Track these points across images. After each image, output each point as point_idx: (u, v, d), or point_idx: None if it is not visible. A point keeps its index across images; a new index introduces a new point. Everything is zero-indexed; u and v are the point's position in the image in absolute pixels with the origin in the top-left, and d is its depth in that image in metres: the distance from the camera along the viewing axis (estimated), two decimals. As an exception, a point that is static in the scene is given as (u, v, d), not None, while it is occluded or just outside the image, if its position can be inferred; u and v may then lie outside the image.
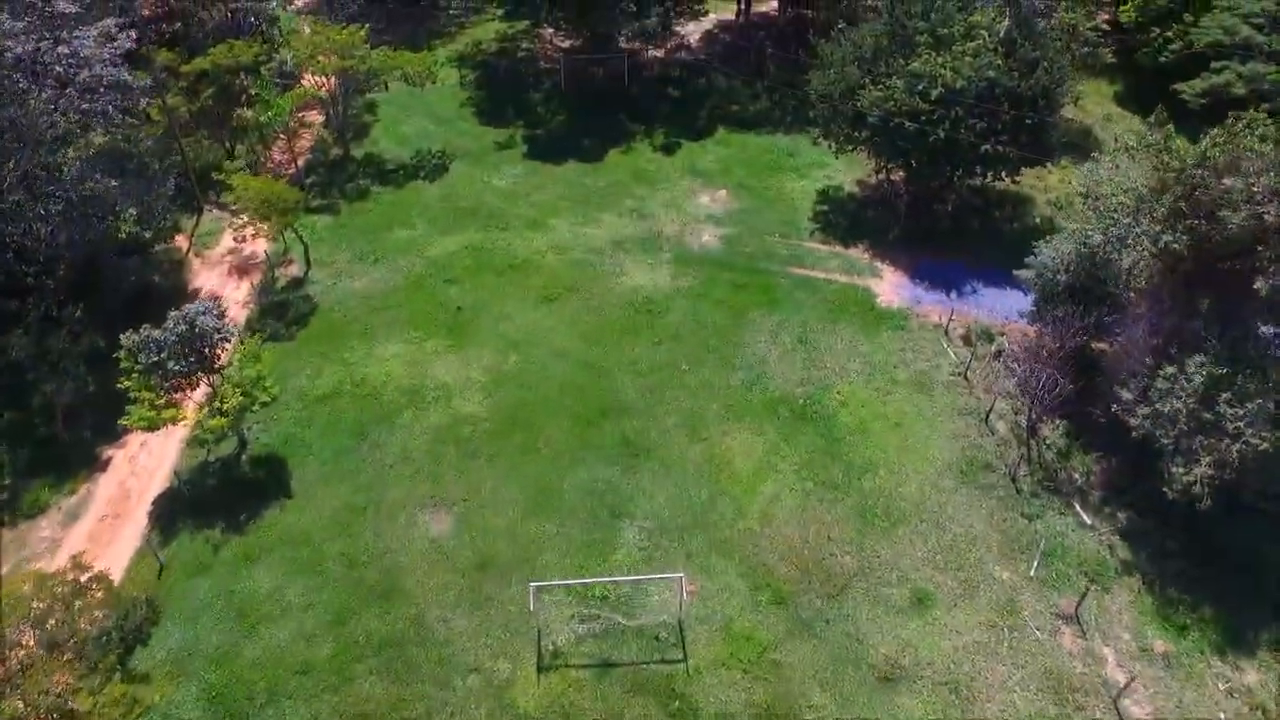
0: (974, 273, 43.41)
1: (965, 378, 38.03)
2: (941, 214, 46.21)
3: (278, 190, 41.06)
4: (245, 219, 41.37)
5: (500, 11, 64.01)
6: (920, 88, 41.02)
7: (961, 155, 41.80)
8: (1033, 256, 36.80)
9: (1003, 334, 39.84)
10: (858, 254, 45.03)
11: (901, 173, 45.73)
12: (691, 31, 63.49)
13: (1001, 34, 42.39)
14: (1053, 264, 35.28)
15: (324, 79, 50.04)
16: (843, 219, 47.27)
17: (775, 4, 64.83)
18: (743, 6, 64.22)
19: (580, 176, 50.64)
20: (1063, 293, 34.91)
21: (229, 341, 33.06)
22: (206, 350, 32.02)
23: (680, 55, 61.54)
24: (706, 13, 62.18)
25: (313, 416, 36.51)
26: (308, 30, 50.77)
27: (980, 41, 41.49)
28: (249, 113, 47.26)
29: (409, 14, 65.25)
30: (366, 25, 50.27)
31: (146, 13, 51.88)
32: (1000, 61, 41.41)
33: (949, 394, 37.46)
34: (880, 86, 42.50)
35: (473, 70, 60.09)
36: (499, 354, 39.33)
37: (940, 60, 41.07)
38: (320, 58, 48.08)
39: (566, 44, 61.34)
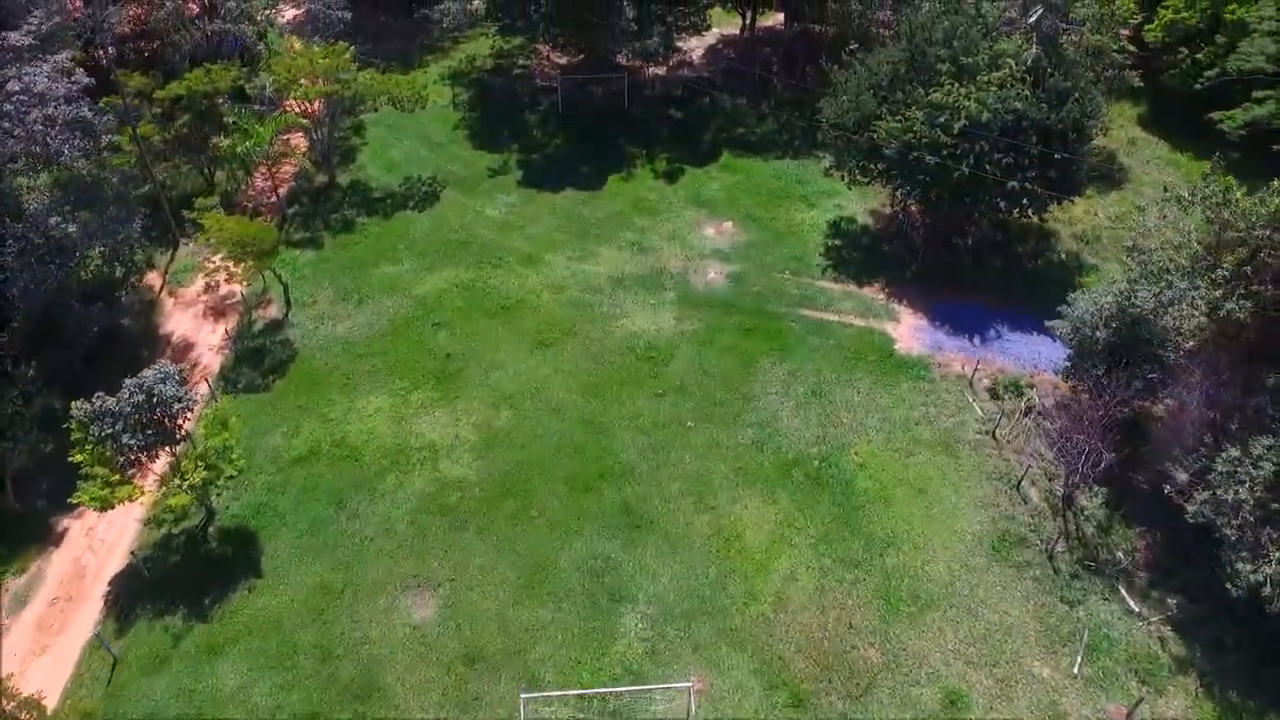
0: (997, 315, 40.59)
1: (993, 436, 35.19)
2: (961, 249, 43.47)
3: (254, 231, 38.06)
4: (218, 262, 38.51)
5: (495, 27, 61.02)
6: (942, 120, 38.21)
7: (985, 191, 38.98)
8: (1067, 307, 33.93)
9: (1032, 386, 37.02)
10: (873, 294, 42.16)
11: (918, 205, 42.90)
12: (694, 47, 60.56)
13: (1029, 62, 39.54)
14: (1090, 319, 32.32)
15: (307, 104, 47.12)
16: (856, 254, 44.41)
17: (781, 18, 61.91)
18: (747, 21, 61.32)
19: (578, 206, 47.75)
20: (1102, 351, 31.97)
21: (191, 410, 30.15)
22: (167, 421, 29.12)
23: (682, 73, 58.62)
24: (709, 27, 59.23)
25: (288, 482, 33.65)
26: (297, 46, 47.82)
27: (1006, 71, 38.62)
28: (226, 141, 44.36)
29: (401, 29, 62.47)
30: (353, 47, 47.34)
31: (122, 29, 49.08)
32: (1028, 92, 38.60)
33: (976, 455, 34.61)
34: (898, 117, 39.74)
35: (466, 89, 57.13)
36: (490, 408, 36.49)
37: (963, 91, 38.24)
38: (304, 81, 45.14)
39: (564, 61, 58.47)
